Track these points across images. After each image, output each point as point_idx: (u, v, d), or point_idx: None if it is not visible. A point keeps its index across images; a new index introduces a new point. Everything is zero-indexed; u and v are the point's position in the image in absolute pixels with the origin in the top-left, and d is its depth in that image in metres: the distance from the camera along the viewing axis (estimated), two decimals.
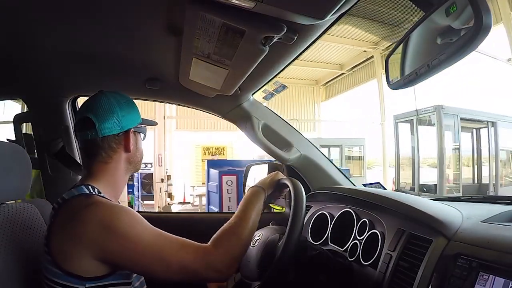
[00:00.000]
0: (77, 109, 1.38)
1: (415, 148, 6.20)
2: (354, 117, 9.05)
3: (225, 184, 3.25)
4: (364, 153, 8.75)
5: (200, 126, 9.72)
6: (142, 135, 0.86)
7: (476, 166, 6.68)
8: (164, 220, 1.45)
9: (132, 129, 0.80)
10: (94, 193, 0.72)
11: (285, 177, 0.84)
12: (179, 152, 9.25)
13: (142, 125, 0.85)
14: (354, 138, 9.15)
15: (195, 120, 9.56)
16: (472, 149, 6.66)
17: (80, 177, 0.84)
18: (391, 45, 7.55)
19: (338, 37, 7.18)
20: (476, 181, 6.66)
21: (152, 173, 6.78)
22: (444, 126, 5.80)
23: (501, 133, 6.31)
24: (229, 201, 3.24)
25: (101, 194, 0.73)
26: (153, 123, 0.93)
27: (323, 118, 11.07)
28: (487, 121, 6.33)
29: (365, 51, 8.24)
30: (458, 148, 5.94)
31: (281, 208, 1.38)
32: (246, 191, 0.83)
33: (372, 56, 8.23)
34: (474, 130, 6.70)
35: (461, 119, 6.04)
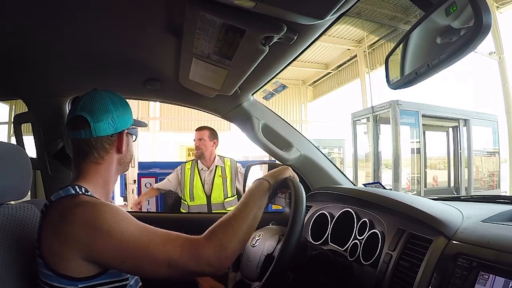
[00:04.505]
0: None
1: (374, 147, 5.70)
2: (342, 117, 8.90)
3: (144, 187, 3.12)
4: (344, 154, 8.57)
5: (185, 127, 9.53)
6: (133, 136, 0.85)
7: (448, 169, 6.07)
8: (164, 220, 1.45)
9: (126, 131, 0.80)
10: (80, 192, 0.70)
11: (291, 176, 0.83)
12: (163, 153, 8.98)
13: (134, 127, 0.84)
14: (333, 139, 8.95)
15: (179, 120, 9.46)
16: (447, 150, 6.12)
17: None
18: (374, 42, 7.51)
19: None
20: (447, 185, 6.00)
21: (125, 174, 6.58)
22: (402, 123, 5.22)
23: (476, 132, 5.72)
24: (148, 204, 3.07)
25: (89, 193, 0.72)
26: (143, 125, 0.92)
27: (310, 118, 10.92)
28: (459, 119, 5.75)
29: (348, 49, 8.21)
30: (419, 148, 5.37)
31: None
32: (248, 189, 0.81)
33: (356, 55, 8.19)
34: (450, 129, 6.08)
35: (426, 116, 5.48)
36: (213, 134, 2.26)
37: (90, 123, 0.74)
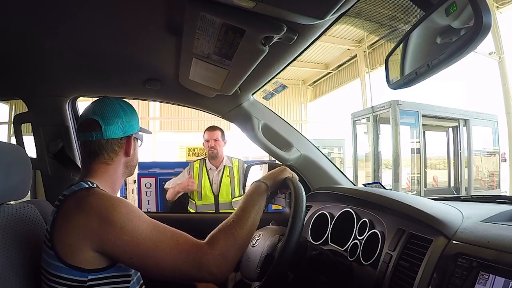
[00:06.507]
0: (77, 109, 1.38)
1: (374, 147, 5.66)
2: (342, 117, 8.86)
3: (144, 187, 3.11)
4: (344, 154, 8.54)
5: (185, 127, 9.53)
6: (139, 142, 0.89)
7: (448, 169, 6.05)
8: (165, 221, 1.45)
9: (133, 135, 0.84)
10: (93, 186, 0.74)
11: (290, 176, 0.83)
12: (163, 153, 8.84)
13: (140, 133, 0.88)
14: (333, 139, 8.94)
15: (179, 120, 9.45)
16: (447, 150, 6.10)
17: None
18: (374, 42, 7.49)
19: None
20: (447, 185, 6.02)
21: None
22: (402, 123, 5.18)
23: (476, 132, 5.69)
24: (148, 204, 3.08)
25: (101, 188, 0.75)
26: (148, 132, 0.97)
27: (310, 118, 10.89)
28: (459, 119, 5.72)
29: (348, 49, 8.21)
30: (419, 148, 5.34)
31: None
32: (246, 191, 0.82)
33: (356, 55, 8.18)
34: (450, 129, 6.05)
35: (426, 116, 5.44)
36: (223, 134, 2.28)
37: (101, 126, 0.78)
